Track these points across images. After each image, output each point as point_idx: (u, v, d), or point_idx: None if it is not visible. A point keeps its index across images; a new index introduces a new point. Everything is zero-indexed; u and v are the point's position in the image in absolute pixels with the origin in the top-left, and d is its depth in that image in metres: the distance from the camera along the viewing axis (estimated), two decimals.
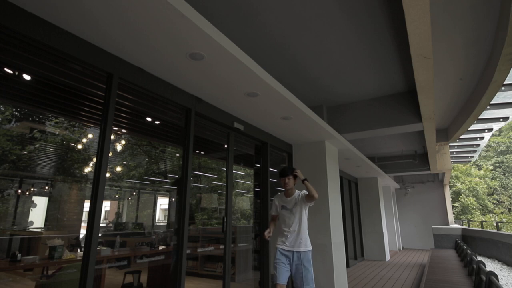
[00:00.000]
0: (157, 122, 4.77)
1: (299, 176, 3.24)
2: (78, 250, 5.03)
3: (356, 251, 9.89)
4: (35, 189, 9.30)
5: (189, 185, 3.21)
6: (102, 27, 2.19)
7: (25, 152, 7.26)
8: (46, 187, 9.20)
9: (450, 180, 22.53)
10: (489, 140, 24.02)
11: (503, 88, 5.56)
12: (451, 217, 14.53)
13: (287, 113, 4.09)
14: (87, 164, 8.01)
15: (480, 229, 12.47)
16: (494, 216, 23.45)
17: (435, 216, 14.35)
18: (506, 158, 29.70)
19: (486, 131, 9.25)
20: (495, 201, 26.06)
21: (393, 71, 5.00)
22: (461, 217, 22.50)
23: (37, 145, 7.09)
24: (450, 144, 10.73)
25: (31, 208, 9.40)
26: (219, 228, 4.67)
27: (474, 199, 23.77)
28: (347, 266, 8.13)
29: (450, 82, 5.62)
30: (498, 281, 3.89)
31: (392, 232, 12.60)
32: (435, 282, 5.08)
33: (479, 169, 29.08)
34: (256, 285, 5.04)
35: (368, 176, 10.76)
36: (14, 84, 3.48)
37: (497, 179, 27.90)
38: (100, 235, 2.38)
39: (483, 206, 24.26)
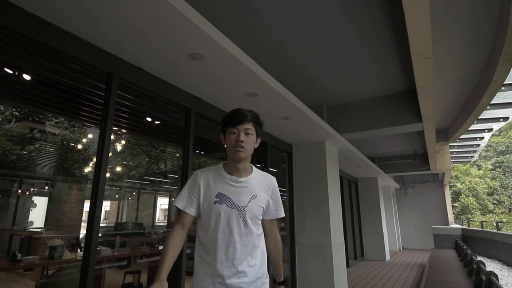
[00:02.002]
0: (157, 122, 4.77)
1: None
2: (78, 250, 5.03)
3: (356, 251, 9.90)
4: (35, 189, 9.31)
5: None
6: (102, 27, 2.19)
7: (25, 152, 7.26)
8: (46, 187, 9.20)
9: (450, 180, 22.54)
10: (489, 140, 24.02)
11: (503, 88, 5.56)
12: (451, 217, 14.54)
13: (287, 113, 4.09)
14: (87, 164, 8.02)
15: (480, 229, 12.47)
16: (494, 216, 23.46)
17: (435, 216, 14.35)
18: (506, 158, 29.72)
19: (486, 131, 9.26)
20: (495, 201, 26.07)
21: (393, 71, 5.00)
22: (461, 217, 22.52)
23: (37, 145, 7.09)
24: (450, 144, 10.74)
25: (31, 208, 9.40)
26: None
27: (474, 199, 23.79)
28: (347, 266, 8.13)
29: (450, 82, 5.62)
30: (498, 281, 3.89)
31: (392, 232, 12.61)
32: (435, 282, 5.08)
33: (479, 169, 29.10)
34: None
35: (368, 176, 10.76)
36: (14, 84, 3.48)
37: (497, 179, 27.92)
38: (100, 235, 2.38)
39: (483, 206, 24.28)
